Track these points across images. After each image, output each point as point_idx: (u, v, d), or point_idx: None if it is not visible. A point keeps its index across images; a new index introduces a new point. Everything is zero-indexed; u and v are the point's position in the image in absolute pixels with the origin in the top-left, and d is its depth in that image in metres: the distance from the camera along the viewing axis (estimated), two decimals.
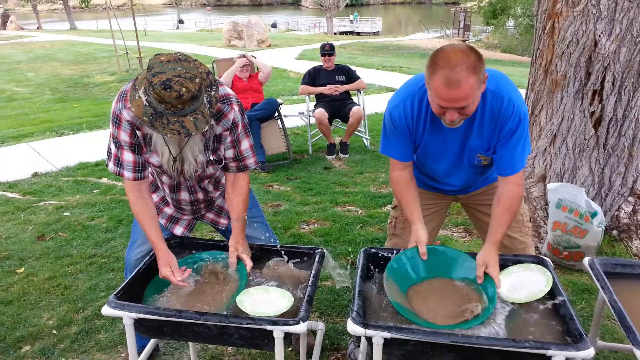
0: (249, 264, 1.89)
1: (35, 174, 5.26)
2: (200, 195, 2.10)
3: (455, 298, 1.73)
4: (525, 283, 1.76)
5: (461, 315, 1.63)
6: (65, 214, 4.20)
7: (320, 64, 5.71)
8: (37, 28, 36.20)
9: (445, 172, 2.04)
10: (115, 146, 1.86)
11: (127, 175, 1.89)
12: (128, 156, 1.85)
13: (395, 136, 1.92)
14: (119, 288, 1.72)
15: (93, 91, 11.65)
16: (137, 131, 1.81)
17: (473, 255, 1.84)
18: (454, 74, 1.56)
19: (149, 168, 1.96)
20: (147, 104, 1.62)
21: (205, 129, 1.69)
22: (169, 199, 2.14)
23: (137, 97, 1.63)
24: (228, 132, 1.90)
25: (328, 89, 5.48)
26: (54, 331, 2.65)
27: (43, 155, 5.99)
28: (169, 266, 1.85)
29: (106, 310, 1.63)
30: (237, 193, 2.02)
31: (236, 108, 1.88)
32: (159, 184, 2.10)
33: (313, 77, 5.64)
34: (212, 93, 1.71)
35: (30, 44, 22.29)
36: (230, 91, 1.89)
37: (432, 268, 1.85)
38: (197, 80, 1.61)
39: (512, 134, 1.79)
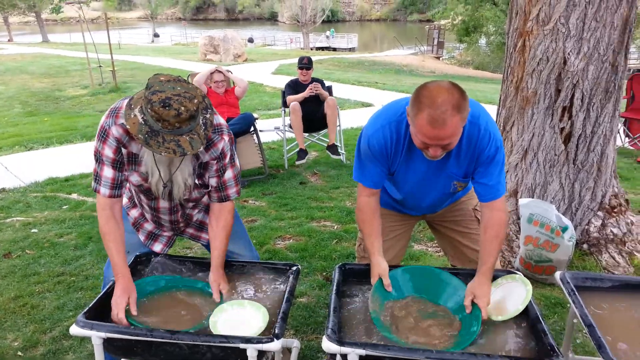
0: (225, 295, 1.90)
1: (2, 190, 5.12)
2: (179, 216, 2.09)
3: (437, 323, 1.73)
4: (507, 298, 1.78)
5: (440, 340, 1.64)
6: (33, 230, 4.08)
7: (297, 77, 5.73)
8: (8, 40, 35.53)
9: (418, 198, 2.05)
10: (97, 161, 1.83)
11: (102, 192, 1.85)
12: (108, 172, 1.82)
13: (371, 163, 1.90)
14: (88, 307, 1.67)
15: (64, 105, 11.44)
16: (123, 149, 1.79)
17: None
18: (439, 114, 1.56)
19: (126, 186, 1.93)
20: (143, 122, 1.61)
21: (200, 149, 1.68)
22: (148, 215, 2.11)
23: (132, 116, 1.62)
24: (215, 161, 1.89)
25: (309, 89, 5.51)
26: (19, 353, 2.55)
27: (11, 170, 5.84)
28: (126, 296, 1.76)
29: (74, 330, 1.58)
30: (221, 227, 1.99)
31: (226, 138, 1.88)
32: (137, 202, 2.07)
33: (295, 89, 5.66)
34: (208, 116, 1.72)
35: (1, 57, 21.84)
36: (222, 121, 1.89)
37: (421, 289, 1.87)
38: (196, 100, 1.63)
39: (490, 161, 1.82)
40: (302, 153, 5.61)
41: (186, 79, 5.77)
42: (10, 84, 14.50)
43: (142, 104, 1.63)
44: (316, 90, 5.52)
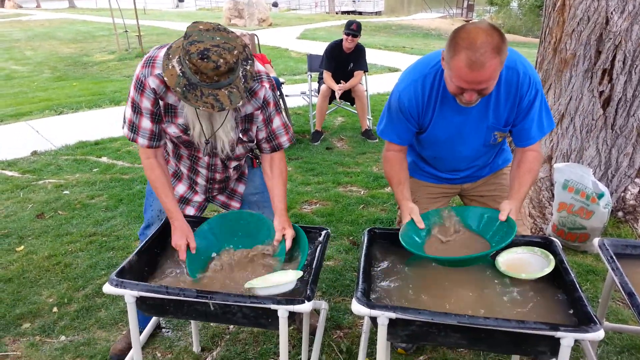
0: (288, 244, 1.84)
1: (34, 153, 5.22)
2: (218, 176, 2.03)
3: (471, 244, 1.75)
4: (528, 263, 1.73)
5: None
6: (64, 192, 4.16)
7: (339, 40, 5.27)
8: (36, 6, 35.77)
9: (457, 153, 1.98)
10: (134, 111, 1.78)
11: (141, 142, 1.82)
12: (146, 123, 1.78)
13: (399, 120, 1.87)
14: (121, 266, 1.69)
15: (92, 70, 11.53)
16: (160, 101, 1.74)
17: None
18: (478, 56, 1.50)
19: (164, 138, 1.88)
20: (181, 74, 1.55)
21: (240, 104, 1.62)
22: (184, 169, 2.05)
23: (170, 67, 1.56)
24: (259, 111, 1.83)
25: (337, 90, 5.21)
26: (54, 309, 2.63)
27: (42, 133, 5.94)
28: (185, 238, 1.81)
29: (108, 289, 1.60)
30: (277, 175, 1.97)
31: (267, 85, 1.81)
32: (172, 158, 2.02)
33: (334, 59, 5.27)
34: (248, 67, 1.63)
35: (29, 22, 22.04)
36: (261, 67, 1.81)
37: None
38: (235, 52, 1.54)
39: (530, 106, 1.77)
40: (317, 134, 5.47)
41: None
42: (38, 49, 14.65)
43: (180, 53, 1.56)
44: (338, 94, 5.24)
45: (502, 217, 1.72)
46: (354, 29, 5.11)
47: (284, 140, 1.97)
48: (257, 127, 1.87)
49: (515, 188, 1.82)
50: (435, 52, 1.81)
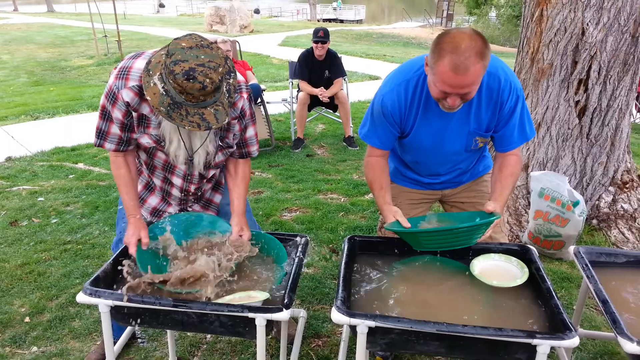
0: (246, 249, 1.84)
1: (8, 159, 5.11)
2: (193, 187, 1.99)
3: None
4: (502, 271, 1.74)
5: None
6: (39, 199, 4.08)
7: (311, 48, 5.26)
8: (13, 10, 35.18)
9: (438, 158, 2.00)
10: (103, 118, 1.74)
11: (108, 147, 1.79)
12: (115, 130, 1.75)
13: (382, 124, 1.88)
14: (95, 275, 1.65)
15: (70, 74, 11.38)
16: (133, 112, 1.71)
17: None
18: (462, 60, 1.51)
19: (133, 144, 1.84)
20: (164, 93, 1.51)
21: (225, 122, 1.59)
22: (157, 181, 1.99)
23: (152, 84, 1.51)
24: (236, 120, 1.83)
25: (320, 94, 5.21)
26: (26, 319, 2.56)
27: (17, 139, 5.82)
28: (137, 234, 1.77)
29: (81, 298, 1.56)
30: (241, 177, 1.97)
31: (245, 96, 1.81)
32: (145, 169, 1.98)
33: (308, 66, 5.27)
34: (231, 81, 1.62)
35: (6, 26, 21.65)
36: (240, 77, 1.80)
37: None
38: (220, 69, 1.51)
39: (511, 113, 1.80)
40: (299, 142, 5.46)
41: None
42: (15, 53, 14.41)
43: (162, 70, 1.52)
44: (323, 97, 5.23)
45: (489, 207, 1.76)
46: (321, 36, 5.12)
47: (254, 149, 1.98)
48: (232, 134, 1.86)
49: (498, 191, 1.85)
50: (418, 57, 1.82)
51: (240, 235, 1.85)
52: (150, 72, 1.54)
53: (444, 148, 1.92)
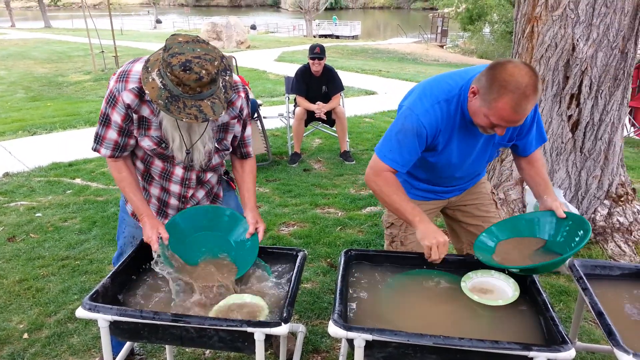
0: (261, 237, 1.91)
1: (6, 174, 5.11)
2: (191, 192, 2.01)
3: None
4: (493, 287, 1.75)
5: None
6: (37, 215, 4.08)
7: (307, 64, 5.32)
8: (11, 26, 35.33)
9: (459, 174, 2.05)
10: (102, 123, 1.77)
11: (104, 153, 1.81)
12: (112, 134, 1.77)
13: (411, 144, 1.81)
14: (94, 290, 1.66)
15: (67, 90, 11.40)
16: (133, 114, 1.74)
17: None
18: (526, 102, 1.56)
19: (129, 150, 1.87)
20: (162, 87, 1.55)
21: (222, 114, 1.64)
22: (155, 190, 2.00)
23: (150, 80, 1.56)
24: (235, 119, 1.88)
25: (317, 109, 5.27)
26: (25, 335, 2.56)
27: (15, 154, 5.83)
28: (156, 230, 1.80)
29: (80, 313, 1.57)
30: (247, 171, 2.03)
31: (242, 95, 1.86)
32: (142, 181, 1.99)
33: (305, 82, 5.32)
34: (227, 78, 1.67)
35: (3, 42, 21.73)
36: (237, 78, 1.85)
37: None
38: (216, 63, 1.56)
39: (532, 121, 1.89)
40: (296, 156, 5.48)
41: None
42: (13, 69, 14.43)
43: (160, 66, 1.56)
44: (321, 113, 5.28)
45: (561, 214, 1.81)
46: (318, 53, 5.18)
47: (251, 150, 2.04)
48: (234, 134, 1.90)
49: (543, 185, 1.94)
50: (449, 76, 1.82)
51: (257, 229, 1.90)
52: (149, 69, 1.59)
53: (470, 162, 1.97)
